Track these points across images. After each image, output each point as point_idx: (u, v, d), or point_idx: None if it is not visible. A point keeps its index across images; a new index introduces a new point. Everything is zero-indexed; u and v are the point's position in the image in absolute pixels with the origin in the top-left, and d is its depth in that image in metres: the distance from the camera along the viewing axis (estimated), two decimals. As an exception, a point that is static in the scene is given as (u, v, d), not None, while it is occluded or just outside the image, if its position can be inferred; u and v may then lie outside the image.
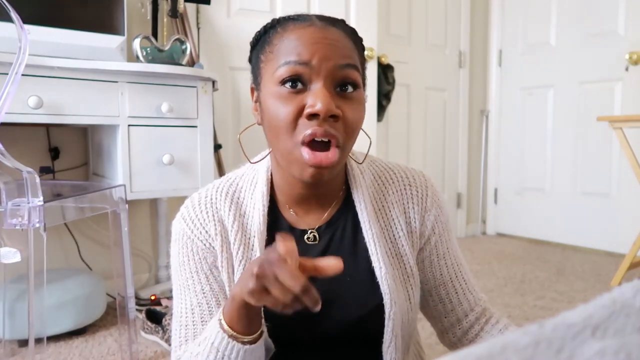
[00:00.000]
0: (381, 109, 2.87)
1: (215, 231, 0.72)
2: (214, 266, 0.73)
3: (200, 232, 0.73)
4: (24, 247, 1.01)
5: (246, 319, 0.61)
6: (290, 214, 0.75)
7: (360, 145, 0.77)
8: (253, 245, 0.72)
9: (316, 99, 0.61)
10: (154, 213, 2.12)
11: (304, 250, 0.72)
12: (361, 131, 0.70)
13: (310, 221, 0.75)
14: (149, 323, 1.64)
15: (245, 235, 0.72)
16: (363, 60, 0.70)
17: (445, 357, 0.26)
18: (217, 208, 0.74)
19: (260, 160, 0.77)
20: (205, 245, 0.72)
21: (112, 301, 1.92)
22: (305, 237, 0.74)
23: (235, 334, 0.62)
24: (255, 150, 0.80)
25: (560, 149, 3.08)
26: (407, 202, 0.77)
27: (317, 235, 0.74)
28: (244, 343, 0.62)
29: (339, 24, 0.67)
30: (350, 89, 0.64)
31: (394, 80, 2.89)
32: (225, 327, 0.62)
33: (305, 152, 0.62)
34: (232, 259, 0.72)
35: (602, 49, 2.84)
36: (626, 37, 2.72)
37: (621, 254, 2.66)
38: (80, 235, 1.97)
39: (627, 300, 0.29)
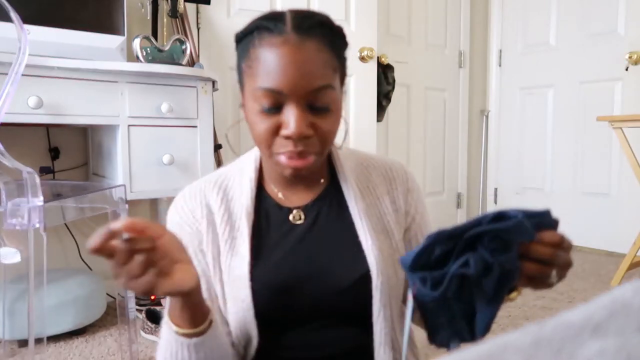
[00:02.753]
0: (381, 109, 2.87)
1: (201, 214, 0.77)
2: (200, 250, 0.76)
3: (188, 217, 0.77)
4: (24, 247, 1.01)
5: (186, 313, 0.62)
6: (278, 196, 0.79)
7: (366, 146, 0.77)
8: (239, 226, 0.76)
9: (289, 122, 0.65)
10: (154, 213, 2.12)
11: (290, 229, 0.76)
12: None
13: (297, 201, 0.79)
14: (149, 323, 1.64)
15: (231, 217, 0.77)
16: (342, 58, 0.71)
17: (445, 357, 0.26)
18: (205, 195, 0.78)
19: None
20: (192, 229, 0.77)
21: (112, 301, 1.92)
22: (291, 216, 0.77)
23: (179, 329, 0.63)
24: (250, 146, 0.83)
25: (560, 149, 3.08)
26: (391, 183, 0.82)
27: (302, 215, 0.78)
28: (190, 336, 0.64)
29: (315, 30, 0.66)
30: (323, 109, 0.67)
31: (394, 80, 2.89)
32: (170, 324, 0.64)
33: (283, 160, 0.68)
34: (218, 239, 0.76)
35: (602, 49, 2.84)
36: (626, 37, 2.72)
37: (621, 254, 2.66)
38: (80, 235, 1.97)
39: (627, 300, 0.29)
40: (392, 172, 0.82)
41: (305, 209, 0.78)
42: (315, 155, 0.68)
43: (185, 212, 0.78)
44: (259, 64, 0.65)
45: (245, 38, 0.69)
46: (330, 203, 0.79)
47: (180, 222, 0.77)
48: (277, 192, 0.79)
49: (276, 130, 0.66)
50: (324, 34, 0.67)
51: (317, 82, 0.65)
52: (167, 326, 0.65)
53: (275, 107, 0.65)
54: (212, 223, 0.76)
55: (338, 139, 0.77)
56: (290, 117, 0.64)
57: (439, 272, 0.56)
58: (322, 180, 0.80)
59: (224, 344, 0.70)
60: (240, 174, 0.80)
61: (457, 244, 0.56)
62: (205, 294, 0.73)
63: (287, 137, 0.66)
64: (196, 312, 0.63)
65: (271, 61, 0.64)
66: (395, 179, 0.82)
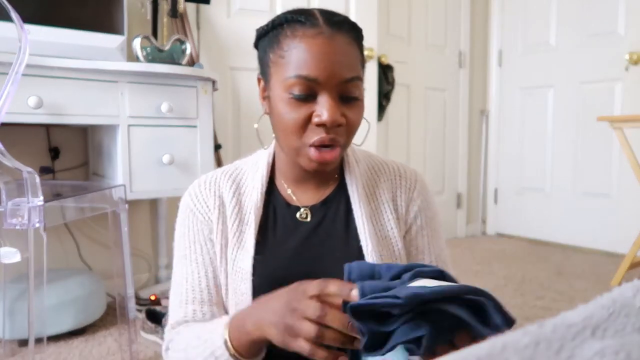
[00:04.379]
0: (381, 109, 2.87)
1: (214, 205, 0.79)
2: (209, 239, 0.79)
3: (202, 205, 0.79)
4: (24, 247, 1.01)
5: (255, 348, 0.65)
6: (287, 193, 0.81)
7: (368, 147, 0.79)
8: (248, 220, 0.78)
9: (324, 110, 0.66)
10: (154, 213, 2.12)
11: (296, 227, 0.78)
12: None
13: (305, 200, 0.80)
14: (149, 323, 1.64)
15: (241, 211, 0.79)
16: (363, 57, 0.74)
17: (445, 357, 0.26)
18: (219, 186, 0.80)
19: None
20: (204, 217, 0.79)
21: (112, 301, 1.92)
22: (298, 214, 0.79)
23: (239, 356, 0.65)
24: (253, 148, 0.87)
25: (560, 149, 3.08)
26: (396, 190, 0.82)
27: (309, 213, 0.79)
28: None
29: (345, 26, 0.69)
30: (353, 99, 0.70)
31: (393, 80, 2.89)
32: (232, 350, 0.65)
33: (312, 152, 0.69)
34: (227, 231, 0.78)
35: (602, 49, 2.84)
36: (626, 37, 2.72)
37: (621, 254, 2.66)
38: (80, 235, 1.97)
39: (627, 300, 0.29)
40: (400, 180, 0.83)
41: (312, 208, 0.79)
42: (341, 148, 0.71)
43: (200, 199, 0.80)
44: (292, 53, 0.67)
45: (272, 31, 0.71)
46: (338, 205, 0.80)
47: (194, 208, 0.80)
48: (287, 190, 0.81)
49: (308, 118, 0.68)
50: (350, 30, 0.70)
51: (350, 73, 0.68)
52: (224, 348, 0.66)
53: (308, 95, 0.67)
54: (222, 214, 0.78)
55: (358, 138, 0.78)
56: (325, 105, 0.66)
57: (384, 331, 0.51)
58: (331, 182, 0.81)
59: None
60: (254, 169, 0.82)
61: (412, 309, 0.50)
62: (211, 282, 0.77)
63: (320, 125, 0.67)
64: (262, 348, 0.66)
65: (306, 51, 0.66)
66: (402, 187, 0.83)
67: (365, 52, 2.49)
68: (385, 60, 2.83)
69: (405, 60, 3.02)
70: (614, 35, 2.78)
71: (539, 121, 3.19)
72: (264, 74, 0.74)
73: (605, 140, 2.83)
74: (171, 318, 0.79)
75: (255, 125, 0.81)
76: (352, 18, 2.69)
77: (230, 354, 0.65)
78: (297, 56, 0.66)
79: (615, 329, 0.27)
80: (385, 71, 2.84)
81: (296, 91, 0.67)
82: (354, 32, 0.71)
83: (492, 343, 0.25)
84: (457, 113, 3.37)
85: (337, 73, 0.66)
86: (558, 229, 3.10)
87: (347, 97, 0.69)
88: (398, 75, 2.92)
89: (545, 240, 3.17)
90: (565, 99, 3.04)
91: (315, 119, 0.67)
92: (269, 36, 0.71)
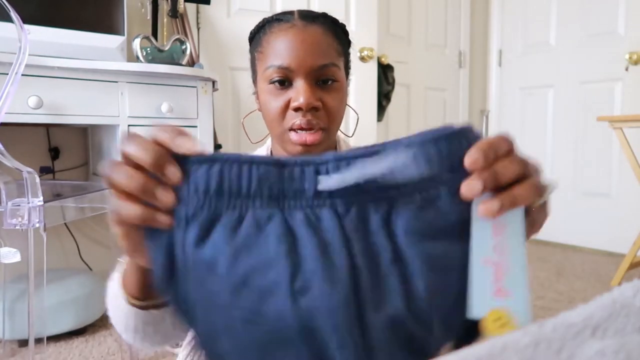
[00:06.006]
0: (381, 109, 2.87)
1: None
2: None
3: None
4: (24, 247, 1.01)
5: (138, 283, 0.52)
6: None
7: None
8: None
9: (298, 95, 0.70)
10: (154, 213, 2.12)
11: None
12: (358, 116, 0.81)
13: None
14: (149, 323, 1.64)
15: None
16: (346, 49, 0.77)
17: (445, 357, 0.26)
18: None
19: (262, 140, 0.87)
20: None
21: (112, 301, 1.92)
22: None
23: (133, 300, 0.55)
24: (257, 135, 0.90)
25: (560, 149, 3.08)
26: None
27: None
28: (146, 308, 0.55)
29: (319, 19, 0.73)
30: (330, 82, 0.72)
31: (393, 80, 2.89)
32: (122, 291, 0.55)
33: (293, 135, 0.72)
34: None
35: (602, 49, 2.83)
36: (626, 37, 2.72)
37: (621, 254, 2.66)
38: (80, 235, 1.97)
39: (627, 300, 0.29)
40: None
41: None
42: (323, 131, 0.72)
43: None
44: (269, 47, 0.72)
45: (257, 33, 0.76)
46: None
47: None
48: None
49: (287, 105, 0.71)
50: (327, 23, 0.73)
51: (323, 60, 0.71)
52: (120, 293, 0.56)
53: (284, 81, 0.71)
54: None
55: (349, 130, 0.79)
56: (299, 90, 0.70)
57: None
58: None
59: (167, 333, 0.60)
60: None
61: None
62: None
63: (297, 109, 0.70)
64: (144, 285, 0.53)
65: (280, 43, 0.71)
66: None
67: (365, 52, 2.49)
68: (385, 60, 2.83)
69: (405, 60, 3.02)
70: (614, 35, 2.78)
71: (539, 121, 3.18)
72: (253, 73, 0.79)
73: (605, 140, 2.83)
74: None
75: (242, 120, 0.84)
76: (352, 18, 2.66)
77: (125, 300, 0.55)
78: (273, 48, 0.71)
79: (615, 329, 0.27)
80: (385, 71, 2.84)
81: (274, 79, 0.71)
82: (330, 24, 0.74)
83: (492, 343, 0.25)
84: (457, 113, 3.37)
85: (310, 60, 0.70)
86: (558, 229, 3.10)
87: (324, 80, 0.71)
88: (398, 75, 2.92)
89: (545, 240, 3.17)
90: (565, 99, 3.04)
91: (292, 104, 0.71)
92: (255, 39, 0.76)
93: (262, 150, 0.85)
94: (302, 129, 0.71)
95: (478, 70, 3.43)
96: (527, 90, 3.25)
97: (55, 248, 1.92)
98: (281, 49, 0.70)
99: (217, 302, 0.38)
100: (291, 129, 0.71)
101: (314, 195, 0.39)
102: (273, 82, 0.71)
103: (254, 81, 0.79)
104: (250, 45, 0.79)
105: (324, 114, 0.72)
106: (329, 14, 0.76)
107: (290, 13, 0.73)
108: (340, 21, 0.77)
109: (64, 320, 1.59)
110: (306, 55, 0.70)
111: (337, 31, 0.75)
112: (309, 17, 0.72)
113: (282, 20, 0.72)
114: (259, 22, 0.76)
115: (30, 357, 1.05)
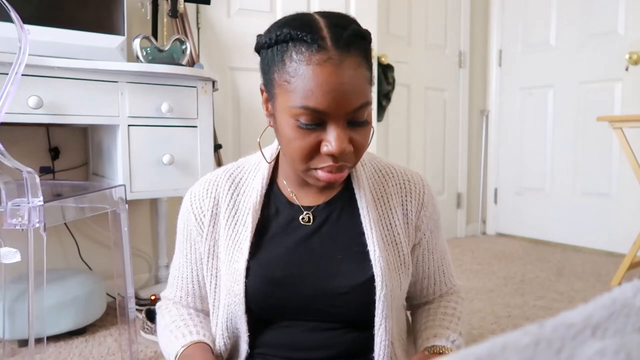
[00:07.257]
0: (381, 109, 2.88)
1: (207, 206, 0.80)
2: (200, 238, 0.82)
3: (197, 207, 0.81)
4: (24, 247, 1.01)
5: None
6: (289, 194, 0.80)
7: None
8: (245, 222, 0.78)
9: (332, 141, 0.64)
10: (154, 213, 2.12)
11: (296, 227, 0.78)
12: None
13: (307, 202, 0.80)
14: (149, 323, 1.64)
15: (238, 212, 0.79)
16: (371, 73, 0.69)
17: (445, 357, 0.26)
18: (217, 186, 0.81)
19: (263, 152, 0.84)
20: (197, 219, 0.81)
21: (112, 301, 1.92)
22: (300, 216, 0.78)
23: None
24: (256, 134, 0.86)
25: (560, 149, 3.08)
26: (406, 196, 0.81)
27: (311, 217, 0.78)
28: None
29: (354, 45, 0.64)
30: (361, 123, 0.67)
31: (394, 80, 2.89)
32: None
33: (320, 174, 0.68)
34: (218, 234, 0.80)
35: (602, 49, 2.84)
36: (626, 37, 2.72)
37: (621, 254, 2.66)
38: (80, 235, 1.97)
39: (627, 300, 0.29)
40: (410, 184, 0.82)
41: (315, 210, 0.78)
42: (349, 169, 0.70)
43: (197, 200, 0.81)
44: (299, 80, 0.63)
45: (276, 46, 0.66)
46: (342, 208, 0.79)
47: (190, 208, 0.82)
48: (289, 190, 0.80)
49: (316, 146, 0.66)
50: (360, 47, 0.65)
51: (358, 102, 0.64)
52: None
53: (315, 124, 0.65)
54: (215, 216, 0.80)
55: None
56: (333, 136, 0.64)
57: None
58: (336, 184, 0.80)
59: None
60: (256, 169, 0.82)
61: None
62: (195, 279, 0.84)
63: (329, 154, 0.66)
64: None
65: (313, 80, 0.62)
66: (411, 192, 0.81)
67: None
68: (385, 60, 2.83)
69: (405, 60, 3.02)
70: (614, 35, 2.78)
71: (539, 121, 3.19)
72: (269, 91, 0.70)
73: (605, 140, 2.83)
74: (167, 288, 0.89)
75: (258, 140, 0.79)
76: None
77: None
78: (304, 85, 0.62)
79: (615, 328, 0.27)
80: (385, 71, 2.84)
81: (303, 120, 0.64)
82: (364, 47, 0.66)
83: (492, 343, 0.25)
84: (457, 113, 3.37)
85: (346, 103, 0.63)
86: (558, 229, 3.10)
87: (356, 122, 0.66)
88: (398, 75, 2.92)
89: (545, 240, 3.17)
90: (565, 99, 3.04)
91: (323, 149, 0.66)
92: (273, 51, 0.66)
93: (267, 155, 0.80)
94: (331, 171, 0.67)
95: (478, 70, 3.43)
96: (527, 90, 3.25)
97: (55, 248, 1.92)
98: (315, 89, 0.62)
99: None
100: (317, 168, 0.68)
101: None
102: (302, 124, 0.65)
103: (270, 99, 0.70)
104: (262, 50, 0.69)
105: (353, 153, 0.68)
106: (355, 22, 0.67)
107: (319, 31, 0.63)
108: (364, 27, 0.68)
109: (64, 320, 1.59)
110: (343, 100, 0.63)
111: (367, 52, 0.67)
112: (341, 42, 0.63)
113: (313, 44, 0.62)
114: (280, 34, 0.65)
115: (30, 357, 1.04)
